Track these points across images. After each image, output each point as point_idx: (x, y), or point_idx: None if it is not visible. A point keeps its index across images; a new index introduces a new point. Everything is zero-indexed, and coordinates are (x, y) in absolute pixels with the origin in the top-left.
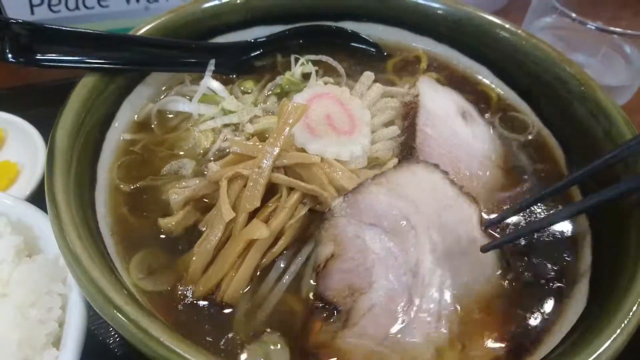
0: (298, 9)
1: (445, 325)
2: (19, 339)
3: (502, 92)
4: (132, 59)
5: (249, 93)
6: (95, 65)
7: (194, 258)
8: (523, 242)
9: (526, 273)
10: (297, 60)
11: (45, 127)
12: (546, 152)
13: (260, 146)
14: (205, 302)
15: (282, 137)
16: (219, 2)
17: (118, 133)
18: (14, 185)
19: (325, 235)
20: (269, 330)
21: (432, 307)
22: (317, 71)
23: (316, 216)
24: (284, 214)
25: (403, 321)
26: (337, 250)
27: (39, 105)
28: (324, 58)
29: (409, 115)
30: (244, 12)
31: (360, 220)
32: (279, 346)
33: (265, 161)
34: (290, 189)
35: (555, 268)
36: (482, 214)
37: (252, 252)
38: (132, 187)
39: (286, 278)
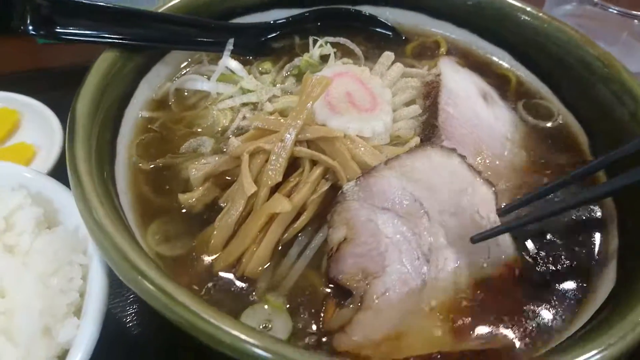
0: None
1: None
2: (41, 307)
3: (522, 76)
4: (151, 36)
5: (267, 74)
6: (114, 41)
7: (215, 232)
8: (549, 225)
9: (553, 254)
10: (315, 42)
11: (61, 110)
12: (569, 136)
13: (282, 120)
14: (226, 276)
15: (306, 109)
16: None
17: (136, 110)
18: (30, 166)
19: (338, 218)
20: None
21: (445, 289)
22: (335, 53)
23: (338, 192)
24: (307, 189)
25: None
26: (350, 234)
27: (54, 88)
28: (342, 40)
29: (431, 94)
30: None
31: (373, 204)
32: (284, 316)
33: (288, 134)
34: (313, 164)
35: (582, 250)
36: (504, 195)
37: (274, 227)
38: (151, 165)
39: (307, 254)
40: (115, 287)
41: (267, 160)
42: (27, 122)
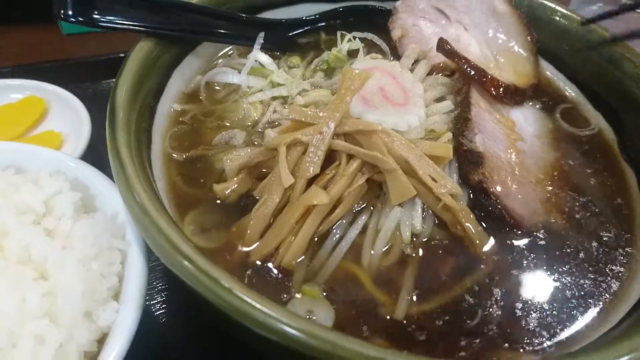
0: None
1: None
2: (83, 290)
3: (550, 76)
4: (185, 27)
5: (295, 68)
6: (151, 30)
7: (251, 222)
8: (583, 225)
9: (586, 251)
10: (343, 36)
11: (87, 99)
12: (598, 136)
13: (320, 113)
14: (263, 266)
15: (345, 102)
16: None
17: (169, 102)
18: None
19: (395, 24)
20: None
21: (477, 57)
22: (362, 49)
23: (372, 186)
24: (344, 182)
25: None
26: (404, 33)
27: (80, 78)
28: (369, 36)
29: (462, 90)
30: None
31: (415, 14)
32: (327, 309)
33: (326, 127)
34: (350, 157)
35: (615, 246)
36: (533, 190)
37: (311, 218)
38: (184, 156)
39: (343, 246)
40: None
41: (304, 153)
42: (54, 111)
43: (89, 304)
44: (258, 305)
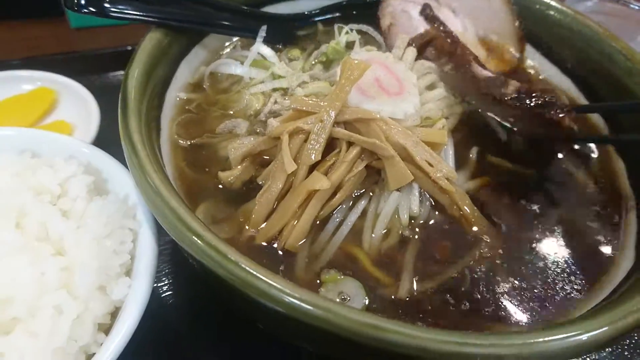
0: None
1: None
2: (97, 266)
3: (545, 69)
4: (193, 18)
5: (295, 60)
6: (159, 20)
7: (256, 207)
8: (572, 208)
9: (575, 231)
10: (340, 29)
11: (95, 90)
12: (591, 129)
13: (321, 103)
14: (267, 248)
15: (345, 92)
16: None
17: (175, 92)
18: None
19: (385, 12)
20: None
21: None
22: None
23: (371, 172)
24: (344, 168)
25: None
26: (393, 21)
27: (88, 70)
28: (365, 27)
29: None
30: None
31: (404, 0)
32: (353, 282)
33: (327, 116)
34: (349, 145)
35: (603, 229)
36: None
37: (313, 203)
38: (190, 143)
39: (343, 229)
40: None
41: (305, 141)
42: (64, 101)
43: (103, 279)
44: (263, 277)
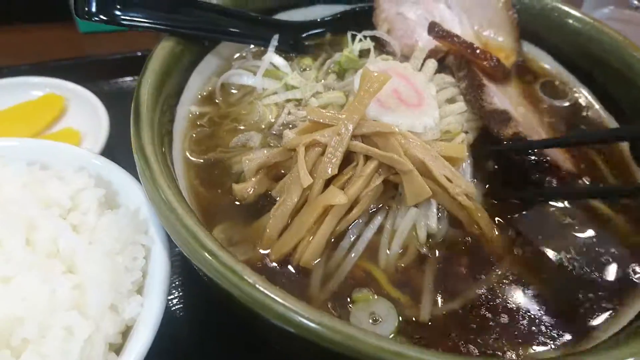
0: None
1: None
2: (109, 283)
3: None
4: (205, 26)
5: (308, 70)
6: (171, 28)
7: (270, 221)
8: (591, 225)
9: (594, 252)
10: (353, 37)
11: (103, 97)
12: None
13: (338, 115)
14: (281, 266)
15: (363, 105)
16: None
17: (188, 103)
18: None
19: (379, 19)
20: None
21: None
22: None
23: (388, 186)
24: (361, 182)
25: None
26: (390, 26)
27: (97, 76)
28: (379, 33)
29: (462, 64)
30: None
31: (396, 2)
32: (384, 303)
33: (344, 129)
34: (367, 159)
35: (623, 249)
36: None
37: (329, 218)
38: (202, 160)
39: (359, 245)
40: None
41: (322, 154)
42: (73, 108)
43: (114, 297)
44: (280, 300)
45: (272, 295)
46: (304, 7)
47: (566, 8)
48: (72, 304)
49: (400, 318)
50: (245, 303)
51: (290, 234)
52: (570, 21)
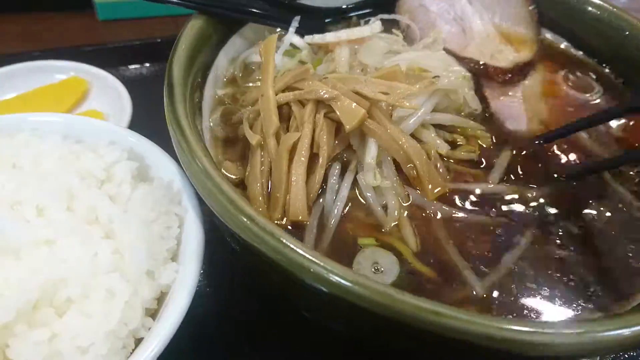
0: None
1: (494, 39)
2: (146, 250)
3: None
4: (232, 6)
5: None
6: (199, 6)
7: (248, 189)
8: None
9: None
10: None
11: (125, 82)
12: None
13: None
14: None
15: (270, 65)
16: None
17: (213, 85)
18: None
19: (401, 9)
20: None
21: (480, 33)
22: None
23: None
24: (307, 123)
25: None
26: (411, 17)
27: (118, 61)
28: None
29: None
30: None
31: None
32: (386, 254)
33: (264, 87)
34: (302, 105)
35: None
36: None
37: (296, 164)
38: (228, 135)
39: (342, 192)
40: None
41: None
42: (95, 91)
43: (151, 263)
44: (317, 260)
45: (310, 257)
46: None
47: None
48: (113, 267)
49: (398, 273)
50: (284, 265)
51: (273, 193)
52: (590, 8)
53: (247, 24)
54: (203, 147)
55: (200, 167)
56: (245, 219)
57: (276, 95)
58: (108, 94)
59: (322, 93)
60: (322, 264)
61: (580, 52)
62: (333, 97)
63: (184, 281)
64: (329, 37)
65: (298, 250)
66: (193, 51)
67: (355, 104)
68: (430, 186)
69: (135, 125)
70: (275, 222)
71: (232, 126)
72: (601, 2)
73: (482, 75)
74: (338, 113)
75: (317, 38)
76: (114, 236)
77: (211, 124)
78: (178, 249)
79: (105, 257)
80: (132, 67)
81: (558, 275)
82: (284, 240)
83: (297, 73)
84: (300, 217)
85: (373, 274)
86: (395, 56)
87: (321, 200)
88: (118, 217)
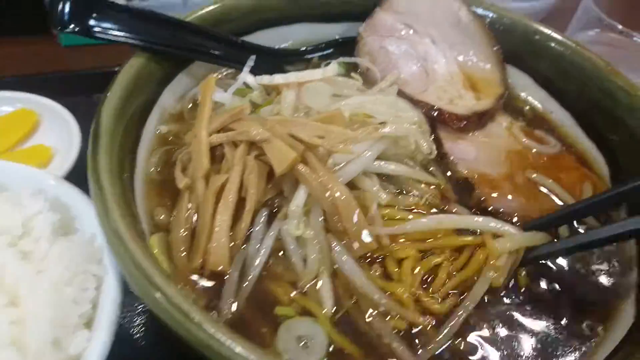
0: (340, 7)
1: (458, 82)
2: (52, 317)
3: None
4: (180, 44)
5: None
6: (145, 44)
7: (171, 233)
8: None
9: (566, 285)
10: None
11: (79, 113)
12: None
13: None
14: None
15: (206, 108)
16: None
17: (156, 121)
18: (47, 169)
19: (362, 52)
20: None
21: (443, 75)
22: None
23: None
24: (236, 165)
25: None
26: (372, 60)
27: (74, 91)
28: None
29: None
30: (287, 8)
31: (380, 35)
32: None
33: (198, 128)
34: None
35: (598, 283)
36: None
37: (222, 208)
38: (164, 177)
39: (266, 243)
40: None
41: None
42: (46, 124)
43: (59, 331)
44: (227, 342)
45: (218, 338)
46: (284, 26)
47: (548, 30)
48: (10, 340)
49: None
50: (191, 343)
51: (196, 238)
52: (553, 44)
53: (194, 61)
54: (124, 203)
55: (113, 228)
56: (152, 289)
57: (210, 135)
58: (59, 127)
59: (254, 134)
60: (229, 345)
61: (544, 91)
62: (265, 139)
63: (94, 351)
64: (277, 78)
65: (205, 328)
66: (130, 92)
67: (287, 146)
68: (356, 244)
69: (84, 161)
70: (194, 271)
71: (171, 168)
72: (564, 39)
73: (438, 120)
74: (269, 156)
75: (265, 79)
76: (18, 303)
77: (149, 166)
78: (94, 313)
79: (2, 328)
80: (89, 97)
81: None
82: (192, 316)
83: (233, 113)
84: (220, 267)
85: (302, 349)
86: (343, 100)
87: (244, 248)
88: (27, 280)
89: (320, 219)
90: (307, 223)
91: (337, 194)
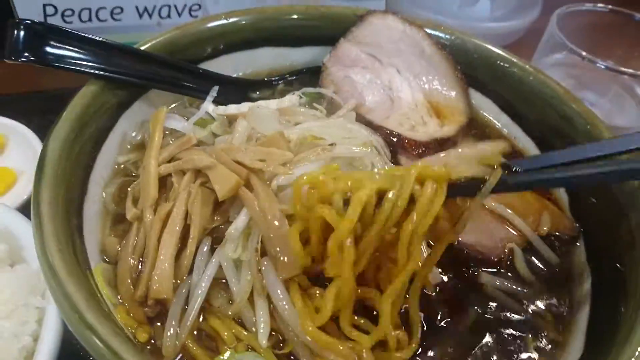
0: (305, 32)
1: (422, 110)
2: None
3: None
4: (137, 73)
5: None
6: (100, 72)
7: (118, 264)
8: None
9: (520, 316)
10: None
11: (45, 136)
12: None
13: None
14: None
15: (156, 139)
16: (226, 22)
17: (112, 152)
18: (10, 192)
19: (326, 82)
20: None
21: (408, 103)
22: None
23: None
24: (182, 192)
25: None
26: (336, 89)
27: (42, 112)
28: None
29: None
30: (252, 32)
31: (344, 65)
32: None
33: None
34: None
35: (548, 314)
36: None
37: (166, 237)
38: (122, 209)
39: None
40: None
41: None
42: (11, 147)
43: None
44: None
45: None
46: (248, 50)
47: (509, 56)
48: None
49: None
50: None
51: (143, 267)
52: (515, 70)
53: (151, 89)
54: (65, 235)
55: (49, 263)
56: (84, 328)
57: (159, 166)
58: (24, 149)
59: (198, 162)
60: None
61: (505, 115)
62: (209, 166)
63: None
64: (231, 109)
65: None
66: (81, 122)
67: (229, 171)
68: (284, 272)
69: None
70: (139, 300)
71: (125, 199)
72: (525, 65)
73: (397, 146)
74: (212, 182)
75: (221, 109)
76: None
77: (104, 197)
78: (36, 346)
79: None
80: (53, 119)
81: None
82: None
83: (181, 143)
84: (164, 296)
85: None
86: (294, 127)
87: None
88: None
89: (256, 242)
90: (246, 247)
91: (270, 217)
